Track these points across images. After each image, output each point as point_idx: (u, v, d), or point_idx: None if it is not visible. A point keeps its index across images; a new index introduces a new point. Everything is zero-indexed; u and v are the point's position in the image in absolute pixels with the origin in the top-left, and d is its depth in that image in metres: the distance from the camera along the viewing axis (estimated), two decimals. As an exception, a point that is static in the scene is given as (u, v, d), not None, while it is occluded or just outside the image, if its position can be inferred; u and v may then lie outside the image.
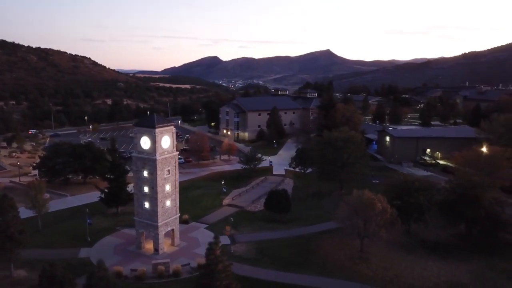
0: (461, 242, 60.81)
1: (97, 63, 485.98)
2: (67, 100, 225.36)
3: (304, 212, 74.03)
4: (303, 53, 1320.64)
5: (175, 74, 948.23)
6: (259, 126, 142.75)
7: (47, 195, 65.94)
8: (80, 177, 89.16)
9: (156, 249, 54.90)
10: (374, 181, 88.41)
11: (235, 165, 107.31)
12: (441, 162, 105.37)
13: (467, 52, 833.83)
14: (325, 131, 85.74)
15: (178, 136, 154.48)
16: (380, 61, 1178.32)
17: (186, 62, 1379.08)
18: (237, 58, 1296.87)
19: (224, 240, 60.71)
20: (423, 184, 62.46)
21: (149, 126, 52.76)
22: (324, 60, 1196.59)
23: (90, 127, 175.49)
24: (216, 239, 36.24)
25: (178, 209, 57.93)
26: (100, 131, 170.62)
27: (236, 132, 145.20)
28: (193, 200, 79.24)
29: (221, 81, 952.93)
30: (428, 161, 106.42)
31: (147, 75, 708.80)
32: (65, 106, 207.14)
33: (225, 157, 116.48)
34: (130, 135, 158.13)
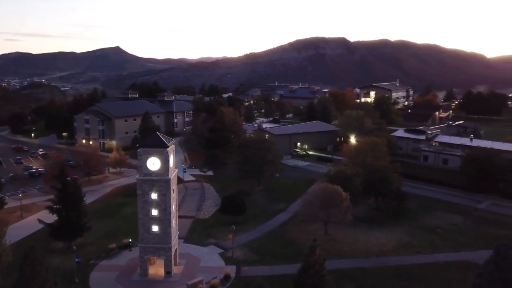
0: (378, 213, 79.41)
1: None
2: None
3: (248, 210, 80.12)
4: (91, 50, 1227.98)
5: None
6: (126, 133, 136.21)
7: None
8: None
9: (168, 272, 52.92)
10: (276, 174, 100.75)
11: (132, 178, 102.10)
12: (310, 152, 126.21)
13: (248, 53, 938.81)
14: (239, 137, 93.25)
15: (27, 152, 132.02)
16: (171, 60, 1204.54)
17: None
18: (9, 53, 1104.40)
19: (214, 249, 62.44)
20: (350, 172, 78.48)
21: (160, 146, 50.50)
22: (114, 57, 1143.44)
23: None
24: (314, 241, 41.15)
25: (177, 228, 56.66)
26: None
27: (101, 142, 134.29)
28: (133, 219, 74.29)
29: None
30: (299, 153, 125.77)
31: None
32: None
33: (113, 169, 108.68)
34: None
